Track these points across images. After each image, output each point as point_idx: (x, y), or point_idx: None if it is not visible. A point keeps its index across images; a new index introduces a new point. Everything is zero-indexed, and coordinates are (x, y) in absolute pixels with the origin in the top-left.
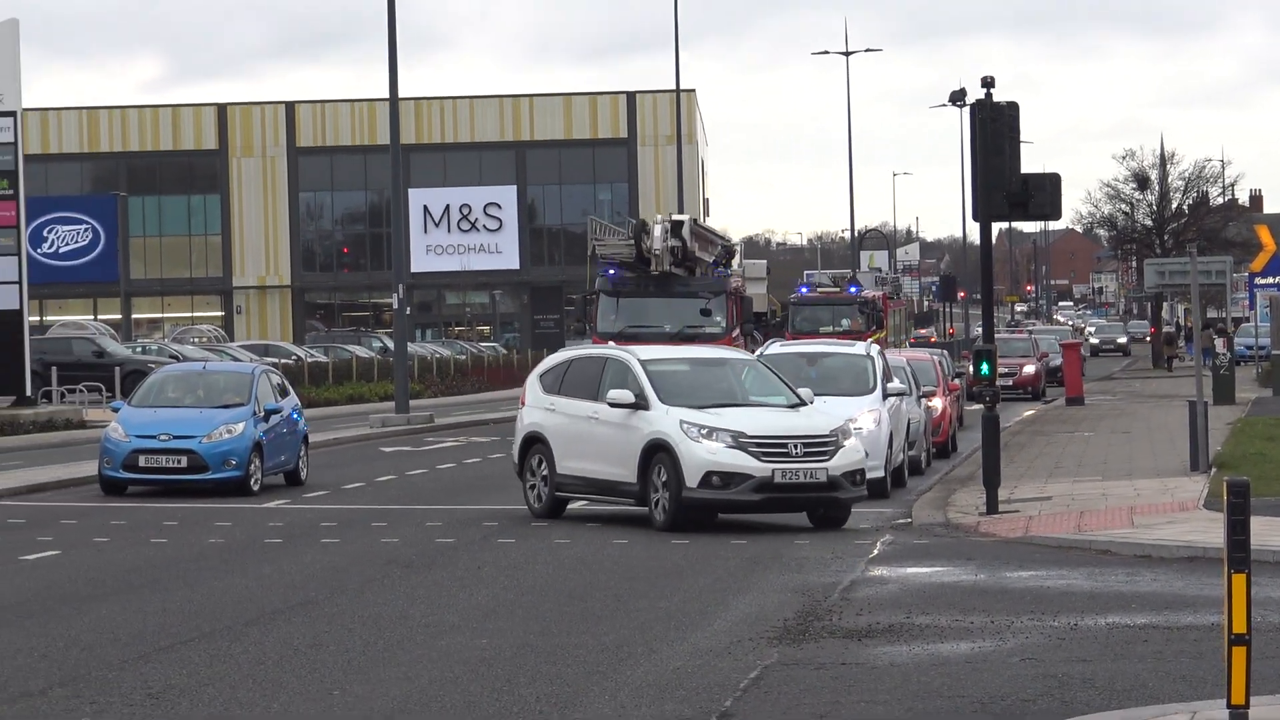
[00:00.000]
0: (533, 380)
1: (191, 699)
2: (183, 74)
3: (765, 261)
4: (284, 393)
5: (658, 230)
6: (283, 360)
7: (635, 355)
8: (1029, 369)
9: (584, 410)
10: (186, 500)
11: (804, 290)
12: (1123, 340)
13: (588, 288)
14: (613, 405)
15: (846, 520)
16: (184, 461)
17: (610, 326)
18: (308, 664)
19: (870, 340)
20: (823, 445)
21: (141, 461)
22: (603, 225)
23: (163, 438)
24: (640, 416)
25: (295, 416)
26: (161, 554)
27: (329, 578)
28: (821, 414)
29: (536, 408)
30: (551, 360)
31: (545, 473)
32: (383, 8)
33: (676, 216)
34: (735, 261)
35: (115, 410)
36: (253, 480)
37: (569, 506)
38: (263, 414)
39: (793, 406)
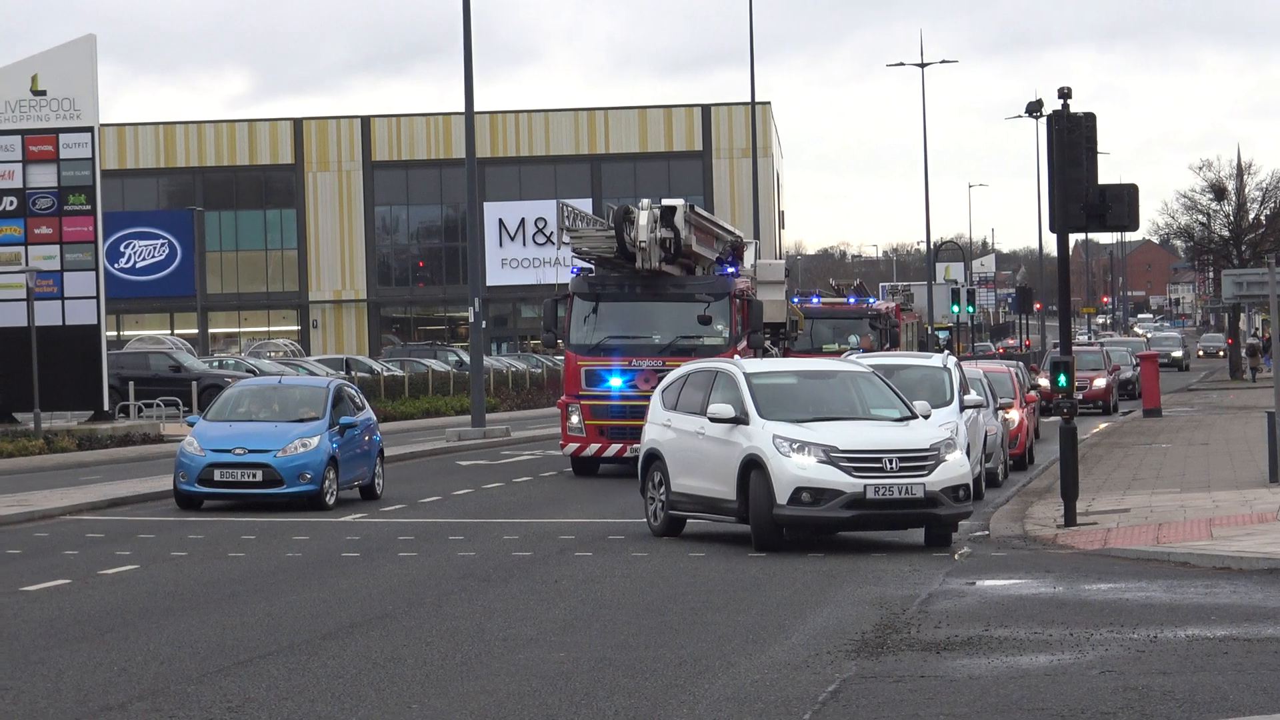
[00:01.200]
0: (655, 396)
1: (270, 712)
2: (270, 89)
3: (784, 262)
4: (359, 407)
5: (644, 218)
6: (359, 374)
7: (741, 368)
8: (1099, 382)
9: (693, 426)
10: (263, 514)
11: (807, 300)
12: (1178, 354)
13: (556, 288)
14: (713, 420)
15: (952, 538)
16: (259, 475)
17: (586, 337)
18: (386, 677)
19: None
20: (921, 459)
21: (217, 475)
22: (576, 212)
23: (238, 452)
24: (740, 431)
25: (371, 431)
26: (239, 568)
27: (406, 591)
28: (927, 427)
29: (655, 424)
30: (673, 374)
31: (662, 490)
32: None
33: (668, 201)
34: (748, 259)
35: (191, 425)
36: (328, 495)
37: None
38: (338, 428)
39: (902, 420)
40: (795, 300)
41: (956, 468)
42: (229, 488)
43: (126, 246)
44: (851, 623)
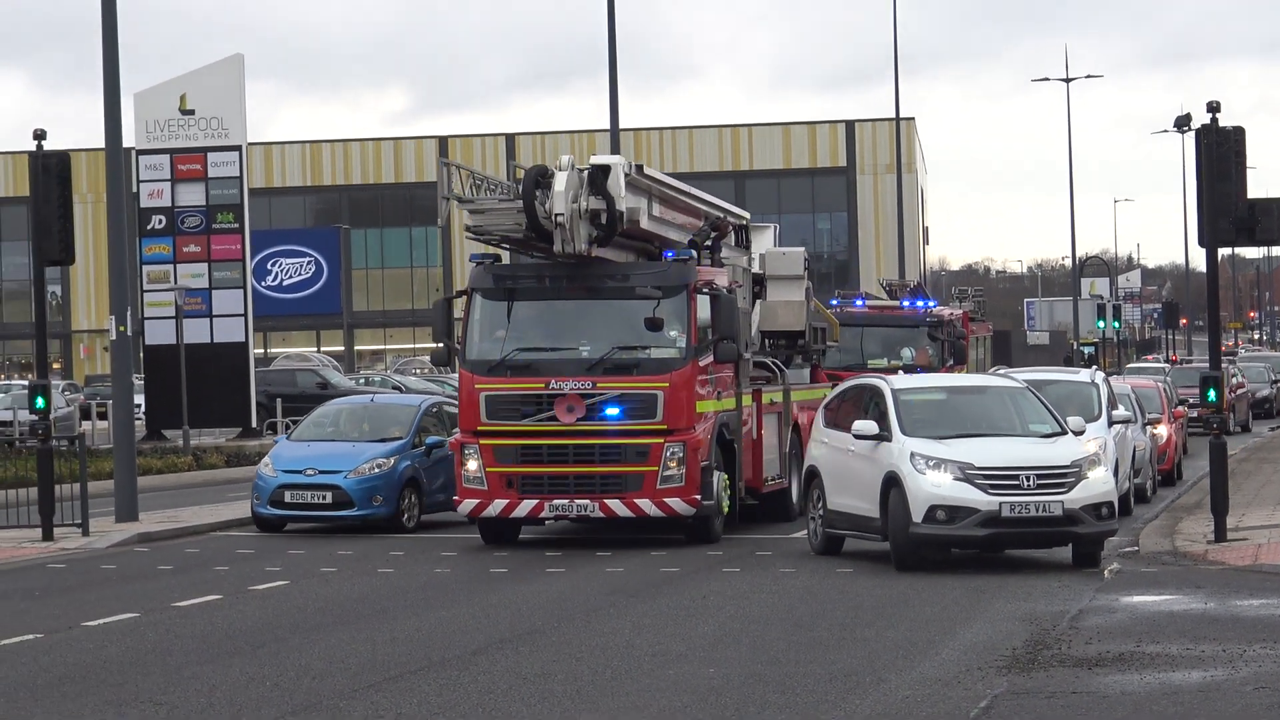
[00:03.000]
0: (819, 413)
1: None
2: (429, 107)
3: (803, 250)
4: None
5: (561, 181)
6: None
7: (889, 384)
8: None
9: (845, 443)
10: (412, 532)
11: (850, 304)
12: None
13: (441, 285)
14: (856, 437)
15: (1099, 556)
16: (329, 497)
17: (488, 351)
18: (537, 693)
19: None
20: (1060, 476)
21: (288, 497)
22: (464, 171)
23: (309, 473)
24: (883, 448)
25: None
26: (388, 584)
27: (554, 607)
28: (1071, 443)
29: (816, 441)
30: (834, 391)
31: (820, 509)
32: (630, 39)
33: (600, 159)
34: (760, 245)
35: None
36: (405, 517)
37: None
38: (423, 448)
39: (1050, 435)
40: (835, 304)
41: (1099, 485)
42: (299, 509)
43: (274, 264)
44: (1002, 639)
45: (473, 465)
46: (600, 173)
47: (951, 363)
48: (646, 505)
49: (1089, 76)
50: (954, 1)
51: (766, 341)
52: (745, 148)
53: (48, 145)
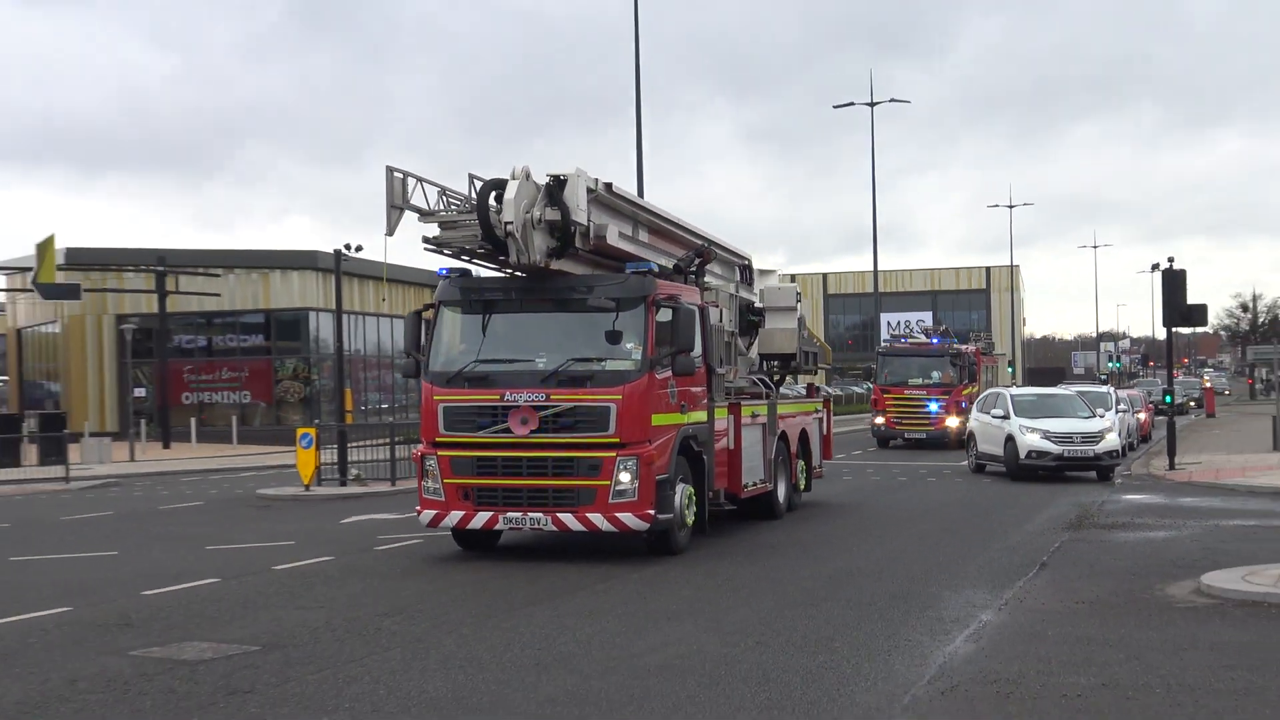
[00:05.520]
0: (976, 404)
1: (752, 576)
2: (792, 264)
3: (795, 285)
4: None
5: (513, 189)
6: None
7: (1009, 392)
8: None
9: (986, 419)
10: None
11: (893, 340)
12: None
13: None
14: (993, 417)
15: (1111, 476)
16: None
17: (450, 362)
18: (828, 542)
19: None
20: (1093, 436)
21: None
22: (425, 184)
23: None
24: (1006, 422)
25: None
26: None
27: (848, 494)
28: (1100, 421)
29: (974, 419)
30: (981, 395)
31: (974, 450)
32: (893, 224)
33: (558, 171)
34: (762, 283)
35: None
36: None
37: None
38: None
39: (1088, 417)
40: (888, 341)
41: (1113, 442)
42: None
43: None
44: (1064, 515)
45: (431, 476)
46: (557, 184)
47: (967, 381)
48: (599, 520)
49: (1106, 245)
50: (1049, 210)
51: (765, 364)
52: (937, 279)
53: None
